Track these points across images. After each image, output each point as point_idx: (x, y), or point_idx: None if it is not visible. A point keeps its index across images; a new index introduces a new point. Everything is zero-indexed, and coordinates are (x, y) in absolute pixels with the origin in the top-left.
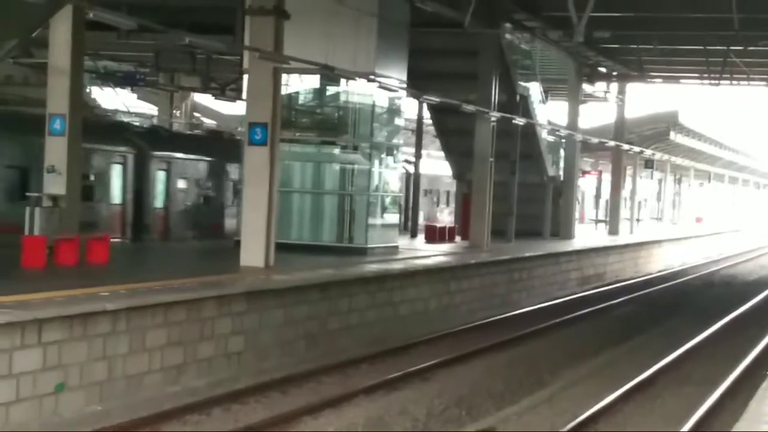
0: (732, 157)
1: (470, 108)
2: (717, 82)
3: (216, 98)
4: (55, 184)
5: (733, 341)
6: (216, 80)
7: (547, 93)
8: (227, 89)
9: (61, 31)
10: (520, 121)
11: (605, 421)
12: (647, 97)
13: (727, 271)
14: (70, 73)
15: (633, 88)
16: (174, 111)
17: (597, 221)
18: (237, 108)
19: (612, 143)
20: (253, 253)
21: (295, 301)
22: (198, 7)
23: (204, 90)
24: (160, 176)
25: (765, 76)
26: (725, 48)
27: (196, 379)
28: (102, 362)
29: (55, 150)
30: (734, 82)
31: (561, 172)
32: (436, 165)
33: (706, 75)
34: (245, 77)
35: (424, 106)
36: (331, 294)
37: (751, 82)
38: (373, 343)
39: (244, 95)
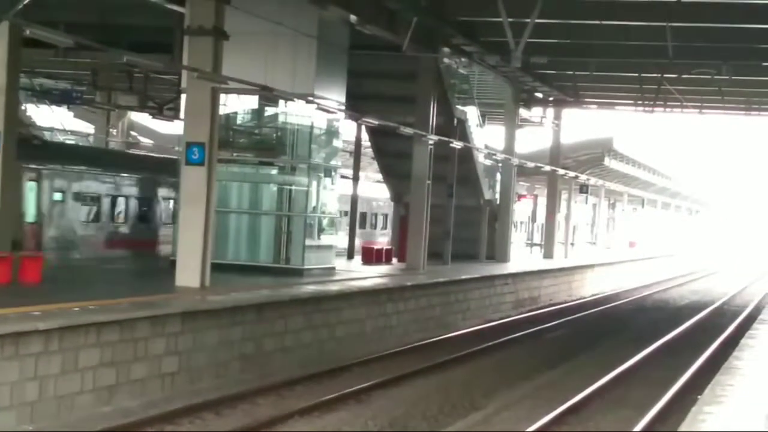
0: (665, 183)
1: (408, 131)
2: (651, 108)
3: (153, 117)
4: None
5: (666, 365)
6: (154, 99)
7: (485, 117)
8: (165, 108)
9: None
10: (457, 144)
11: None
12: (583, 123)
13: (660, 296)
14: (5, 90)
15: (569, 113)
16: (111, 130)
17: (532, 245)
18: (175, 127)
19: (548, 168)
20: (188, 273)
21: (230, 322)
22: (136, 26)
23: (141, 109)
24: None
25: (698, 104)
26: (659, 75)
27: (129, 399)
28: (33, 382)
29: None
30: (668, 109)
31: (497, 196)
32: (373, 187)
33: (640, 101)
34: (183, 96)
35: (363, 128)
36: (267, 315)
37: (684, 110)
38: (309, 365)
39: (182, 114)
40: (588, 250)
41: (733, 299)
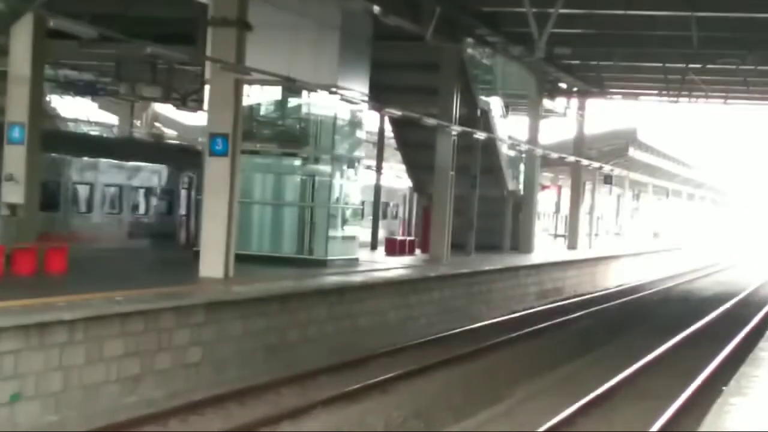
0: (689, 174)
1: (431, 122)
2: (675, 99)
3: (177, 108)
4: (13, 193)
5: (691, 356)
6: (177, 90)
7: (508, 108)
8: (188, 100)
9: (21, 39)
10: (480, 135)
11: None
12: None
13: (684, 287)
14: (30, 82)
15: (593, 104)
16: (135, 121)
17: (556, 235)
18: (198, 118)
19: (571, 158)
20: (212, 263)
21: (254, 313)
22: (160, 18)
23: (165, 100)
24: None
25: (722, 94)
26: (684, 65)
27: (154, 389)
28: (58, 372)
29: (14, 158)
30: (692, 99)
31: (521, 187)
32: (396, 178)
33: (665, 92)
34: (207, 88)
35: (386, 119)
36: (291, 306)
37: (709, 100)
38: (333, 355)
39: (206, 106)
40: (612, 241)
41: (758, 290)
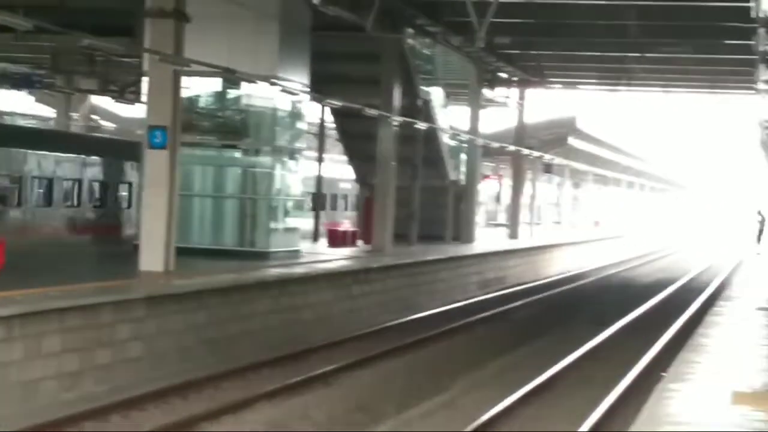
0: (629, 162)
1: (372, 112)
2: (614, 87)
3: (115, 101)
4: None
5: (632, 342)
6: (115, 83)
7: (449, 98)
8: (126, 92)
9: None
10: (422, 125)
11: (505, 423)
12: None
13: (626, 274)
14: None
15: (534, 93)
16: (72, 113)
17: (497, 225)
18: (136, 111)
19: (512, 148)
20: (152, 257)
21: (195, 306)
22: (97, 9)
23: (102, 92)
24: None
25: (662, 83)
26: (623, 54)
27: (94, 385)
28: None
29: None
30: (632, 88)
31: (462, 177)
32: (337, 169)
33: (604, 81)
34: (145, 80)
35: (327, 109)
36: (233, 299)
37: (648, 89)
38: (275, 348)
39: (144, 98)
40: (553, 229)
41: (699, 276)
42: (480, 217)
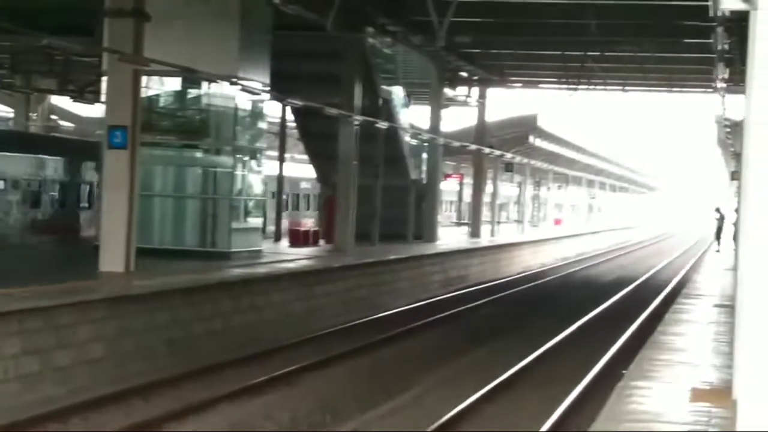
0: (589, 161)
1: (333, 111)
2: (575, 86)
3: (74, 101)
4: None
5: (593, 340)
6: (74, 82)
7: (410, 97)
8: (86, 91)
9: None
10: (383, 124)
11: (470, 421)
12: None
13: (586, 272)
14: None
15: (495, 92)
16: (31, 114)
17: (459, 224)
18: (96, 111)
19: (473, 147)
20: (113, 258)
21: (156, 307)
22: (56, 9)
23: (61, 92)
24: None
25: (621, 81)
26: (583, 53)
27: (55, 387)
28: None
29: None
30: (591, 86)
31: (424, 176)
32: (299, 168)
33: (564, 80)
34: (104, 79)
35: (288, 109)
36: (194, 299)
37: (608, 87)
38: (238, 348)
39: (104, 98)
40: (515, 228)
41: (659, 274)
42: (443, 216)
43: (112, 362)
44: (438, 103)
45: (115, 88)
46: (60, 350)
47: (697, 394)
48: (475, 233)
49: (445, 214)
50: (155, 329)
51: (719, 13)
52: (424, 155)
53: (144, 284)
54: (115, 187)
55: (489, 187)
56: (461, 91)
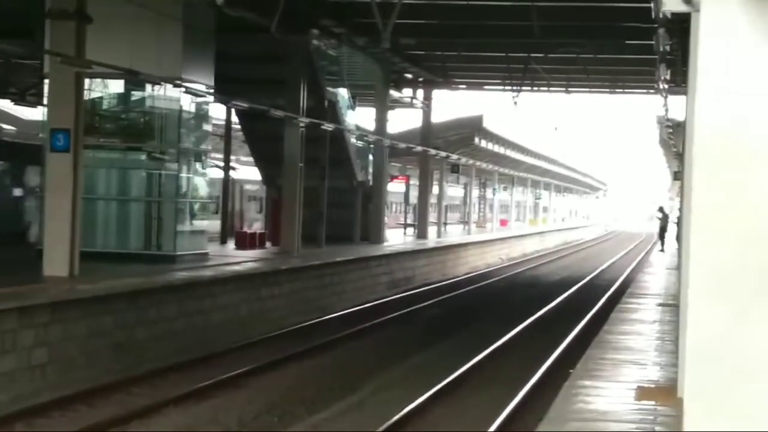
0: (534, 162)
1: (278, 113)
2: (518, 88)
3: (15, 104)
4: None
5: (539, 340)
6: (15, 85)
7: (356, 99)
8: (27, 94)
9: None
10: (328, 126)
11: (416, 423)
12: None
13: (532, 272)
14: None
15: (440, 93)
16: None
17: (406, 225)
18: (38, 113)
19: (419, 148)
20: (56, 262)
21: (100, 311)
22: None
23: (2, 95)
24: None
25: (564, 83)
26: (526, 55)
27: None
28: None
29: None
30: (535, 88)
31: (370, 177)
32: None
33: (508, 81)
34: (46, 82)
35: (233, 111)
36: (139, 303)
37: (551, 89)
38: (183, 352)
39: (46, 100)
40: (461, 229)
41: (603, 274)
42: (390, 218)
43: (56, 367)
44: (383, 105)
45: (58, 91)
46: (3, 355)
47: (643, 393)
48: (421, 234)
49: (393, 216)
50: (99, 334)
51: (661, 15)
52: (371, 157)
53: (88, 288)
54: (58, 190)
55: (435, 189)
56: (407, 92)
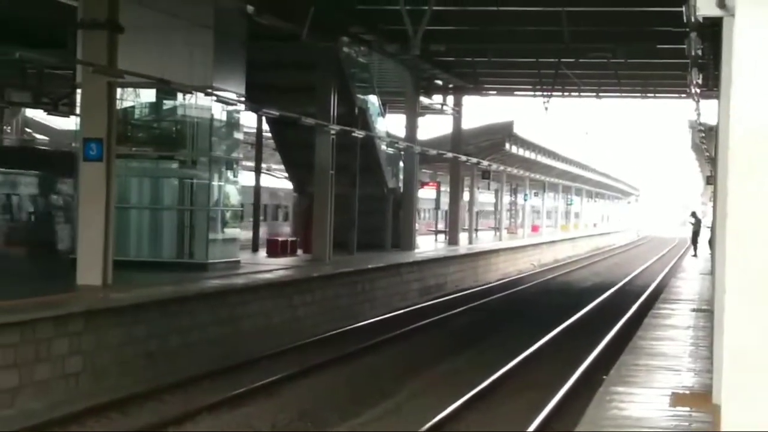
0: (565, 167)
1: (309, 121)
2: (549, 93)
3: (48, 113)
4: None
5: (572, 346)
6: (48, 95)
7: (386, 105)
8: (60, 104)
9: None
10: (359, 133)
11: (450, 429)
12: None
13: (564, 278)
14: None
15: (471, 99)
16: (5, 127)
17: (437, 232)
18: (71, 123)
19: (449, 155)
20: (90, 271)
21: (134, 320)
22: (28, 20)
23: (35, 105)
24: None
25: (595, 87)
26: (556, 60)
27: (33, 401)
28: None
29: None
30: (566, 93)
31: (401, 184)
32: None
33: (538, 87)
34: (79, 92)
35: (264, 119)
36: (172, 311)
37: (582, 94)
38: (216, 360)
39: (78, 110)
40: (492, 235)
41: (635, 279)
42: (421, 224)
43: (90, 376)
44: (414, 112)
45: (90, 101)
46: (38, 364)
47: (678, 399)
48: (452, 241)
49: (424, 222)
50: (133, 342)
51: (693, 19)
52: (401, 164)
53: (121, 297)
54: (92, 199)
55: (466, 195)
56: (437, 99)
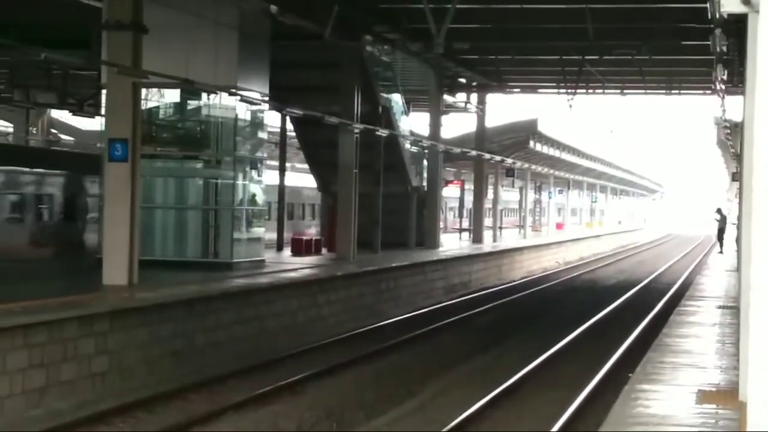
0: (590, 165)
1: (333, 120)
2: (573, 91)
3: (74, 114)
4: None
5: (598, 344)
6: (73, 96)
7: (409, 104)
8: (85, 105)
9: None
10: (383, 132)
11: (475, 427)
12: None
13: (588, 276)
14: None
15: (494, 97)
16: (31, 128)
17: (461, 230)
18: (96, 124)
19: (473, 153)
20: (116, 270)
21: (159, 319)
22: (53, 22)
23: (61, 106)
24: None
25: (619, 85)
26: (580, 57)
27: (60, 401)
28: None
29: None
30: (590, 90)
31: (425, 182)
32: (301, 177)
33: (562, 84)
34: (104, 92)
35: (288, 118)
36: (197, 310)
37: (606, 91)
38: (242, 359)
39: (103, 111)
40: (516, 233)
41: (660, 277)
42: (446, 222)
43: (116, 375)
44: (437, 110)
45: (115, 101)
46: (65, 363)
47: (704, 396)
48: (477, 239)
49: (449, 221)
50: (158, 341)
51: (718, 16)
52: (425, 162)
53: (147, 296)
54: (117, 199)
55: (490, 193)
56: (460, 97)
